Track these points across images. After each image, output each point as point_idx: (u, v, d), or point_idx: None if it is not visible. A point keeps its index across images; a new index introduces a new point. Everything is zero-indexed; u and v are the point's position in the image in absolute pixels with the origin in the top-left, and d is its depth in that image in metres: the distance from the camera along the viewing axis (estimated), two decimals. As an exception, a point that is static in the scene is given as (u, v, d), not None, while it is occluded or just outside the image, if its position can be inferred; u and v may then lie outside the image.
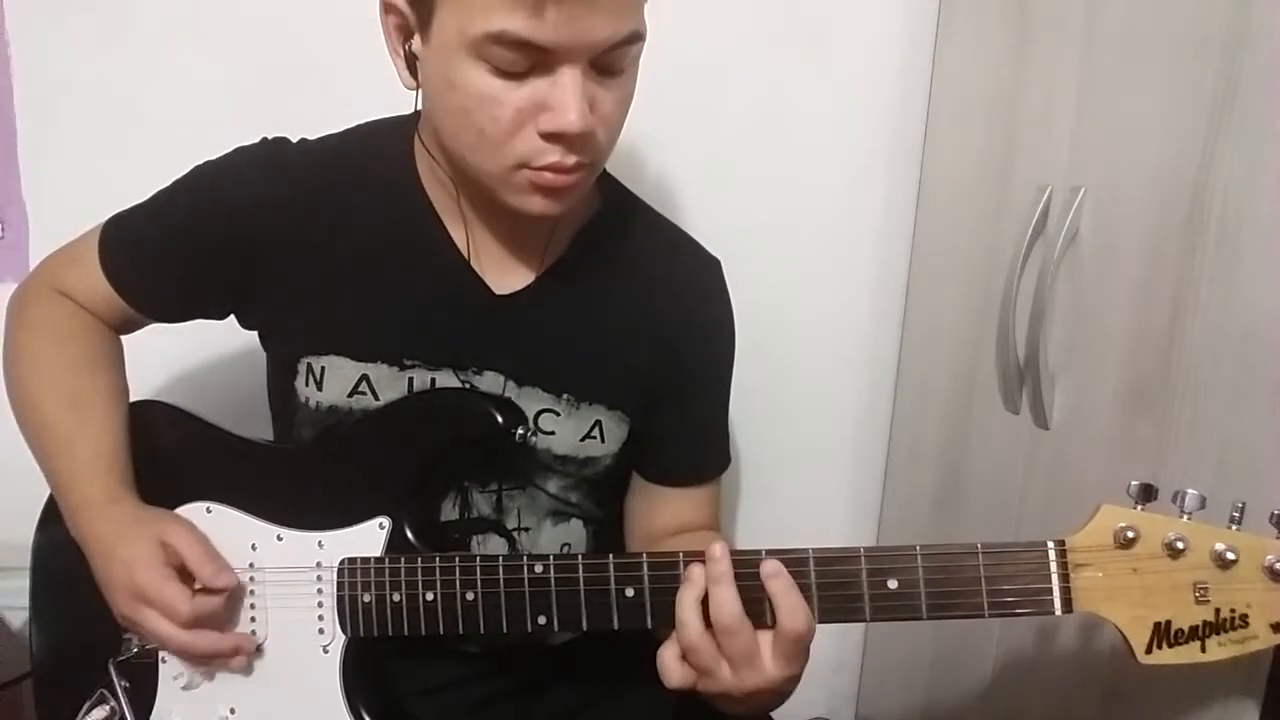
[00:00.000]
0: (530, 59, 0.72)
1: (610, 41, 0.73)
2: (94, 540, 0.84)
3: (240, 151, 0.91)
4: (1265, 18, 0.74)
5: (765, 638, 0.72)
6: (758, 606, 0.72)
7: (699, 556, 0.75)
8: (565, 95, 0.73)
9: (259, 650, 0.86)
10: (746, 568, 0.73)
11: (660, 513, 0.99)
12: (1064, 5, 0.99)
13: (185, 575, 0.82)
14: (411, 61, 0.79)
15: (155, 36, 1.24)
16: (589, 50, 0.73)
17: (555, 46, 0.71)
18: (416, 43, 0.78)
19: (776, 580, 0.72)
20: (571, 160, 0.77)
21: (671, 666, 0.73)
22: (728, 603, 0.71)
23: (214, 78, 1.24)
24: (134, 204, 0.94)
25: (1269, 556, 0.67)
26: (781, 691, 0.74)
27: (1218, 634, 0.68)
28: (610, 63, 0.75)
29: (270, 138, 0.92)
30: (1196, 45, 0.80)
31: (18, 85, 1.25)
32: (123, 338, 0.98)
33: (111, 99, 1.25)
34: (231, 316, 0.96)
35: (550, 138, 0.75)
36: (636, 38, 0.75)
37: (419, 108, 0.86)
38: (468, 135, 0.77)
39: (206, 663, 0.85)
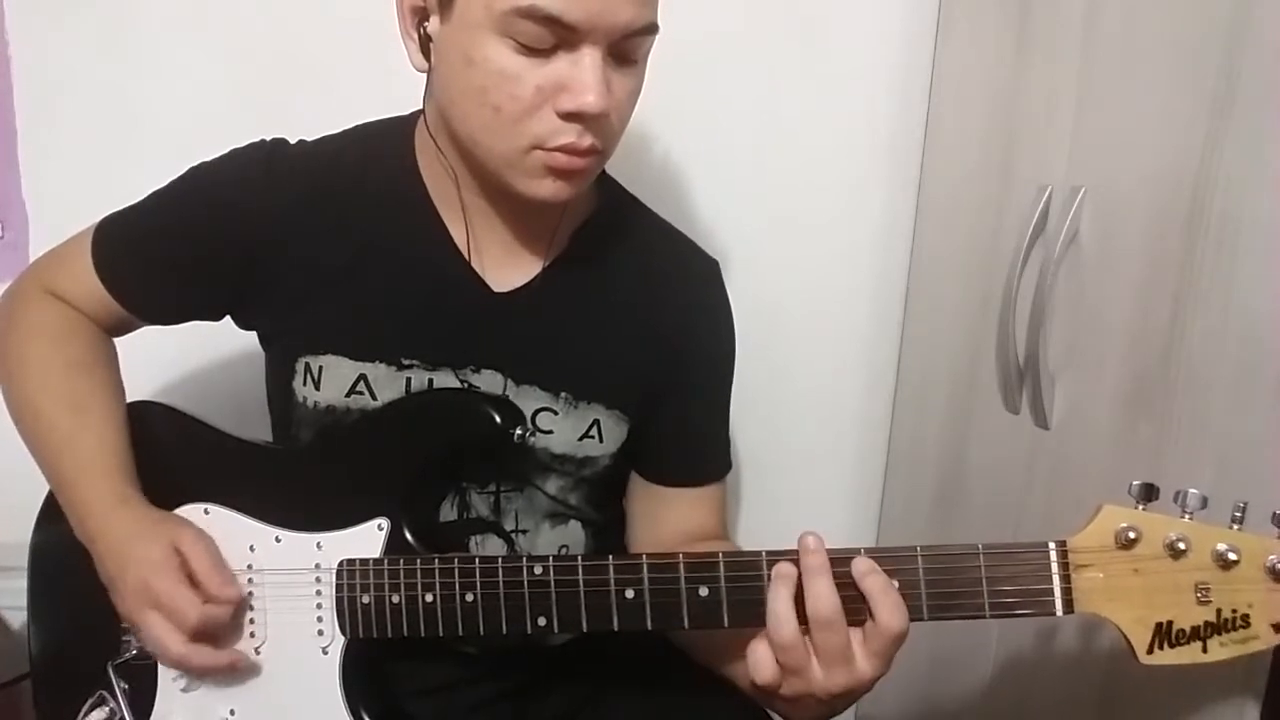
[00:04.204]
0: (555, 36, 0.74)
1: (631, 27, 0.75)
2: (104, 541, 0.83)
3: (238, 153, 0.91)
4: (1265, 18, 0.74)
5: (856, 635, 0.71)
6: (848, 605, 0.71)
7: (702, 556, 0.75)
8: (586, 75, 0.75)
9: (258, 652, 0.85)
10: (836, 565, 0.71)
11: (665, 517, 0.98)
12: (1064, 5, 0.99)
13: (195, 583, 0.82)
14: (425, 44, 0.80)
15: (155, 36, 1.24)
16: (611, 33, 0.74)
17: (580, 25, 0.73)
18: (433, 24, 0.79)
19: (872, 578, 0.70)
20: (586, 142, 0.78)
21: (766, 661, 0.72)
22: (825, 595, 0.70)
23: (214, 78, 1.24)
24: (127, 205, 0.94)
25: (1270, 557, 0.67)
26: (858, 694, 0.72)
27: (1219, 634, 0.68)
28: (627, 50, 0.77)
29: (268, 139, 0.92)
30: (1196, 45, 0.80)
31: (18, 85, 1.25)
32: (123, 338, 0.98)
33: (111, 99, 1.25)
34: (228, 317, 0.95)
35: (568, 117, 0.76)
36: (653, 29, 0.78)
37: (426, 95, 0.86)
38: (483, 114, 0.78)
39: (201, 676, 0.85)
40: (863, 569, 0.71)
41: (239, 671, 0.85)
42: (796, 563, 0.72)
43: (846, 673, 0.71)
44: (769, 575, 0.73)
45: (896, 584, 0.71)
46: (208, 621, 0.80)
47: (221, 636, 0.84)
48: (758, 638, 0.73)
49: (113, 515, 0.84)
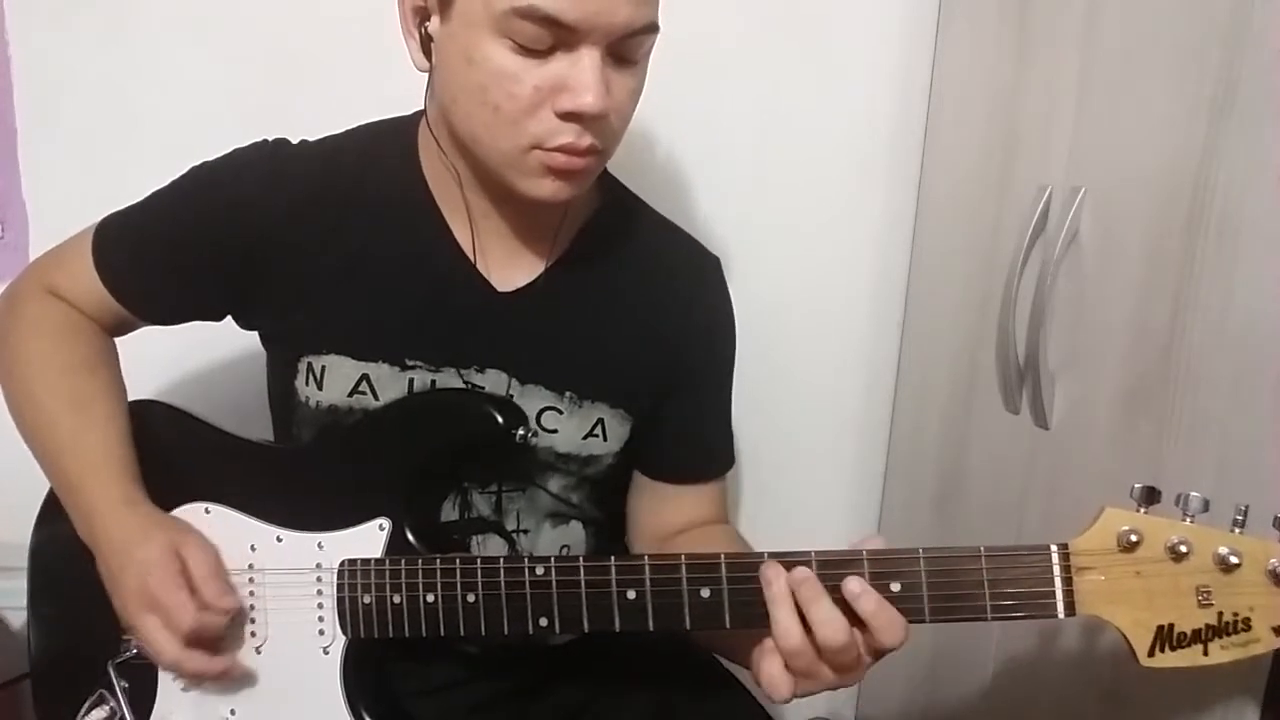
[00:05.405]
0: (553, 37, 0.74)
1: (630, 27, 0.75)
2: (108, 542, 0.83)
3: (239, 152, 0.91)
4: (1265, 18, 0.74)
5: (858, 634, 0.70)
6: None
7: (704, 558, 0.75)
8: (584, 75, 0.75)
9: (259, 652, 0.86)
10: (828, 577, 0.71)
11: (666, 512, 0.99)
12: (1064, 5, 0.99)
13: (192, 589, 0.81)
14: (426, 43, 0.80)
15: (155, 36, 1.24)
16: (610, 33, 0.74)
17: (578, 25, 0.73)
18: (434, 23, 0.79)
19: (864, 599, 0.70)
20: (585, 142, 0.78)
21: (782, 680, 0.71)
22: (834, 621, 0.69)
23: (214, 78, 1.24)
24: (128, 205, 0.94)
25: (1272, 560, 0.67)
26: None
27: (1220, 637, 0.68)
28: (627, 50, 0.77)
29: (270, 139, 0.92)
30: (1196, 45, 0.80)
31: (18, 85, 1.24)
32: (123, 338, 0.97)
33: (111, 99, 1.25)
34: (229, 317, 0.95)
35: (567, 117, 0.76)
36: (653, 28, 0.78)
37: (428, 95, 0.86)
38: (483, 114, 0.78)
39: (195, 680, 0.85)
40: (855, 590, 0.70)
41: (239, 672, 0.84)
42: (788, 567, 0.72)
43: (856, 673, 0.72)
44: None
45: (898, 586, 0.71)
46: (201, 628, 0.80)
47: (219, 642, 0.84)
48: (765, 656, 0.72)
49: (116, 516, 0.84)
